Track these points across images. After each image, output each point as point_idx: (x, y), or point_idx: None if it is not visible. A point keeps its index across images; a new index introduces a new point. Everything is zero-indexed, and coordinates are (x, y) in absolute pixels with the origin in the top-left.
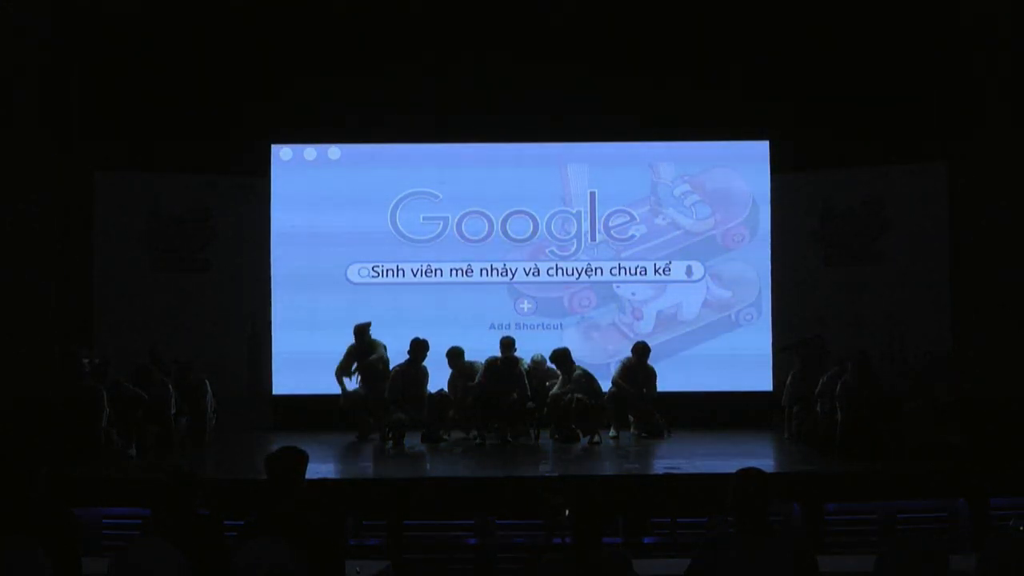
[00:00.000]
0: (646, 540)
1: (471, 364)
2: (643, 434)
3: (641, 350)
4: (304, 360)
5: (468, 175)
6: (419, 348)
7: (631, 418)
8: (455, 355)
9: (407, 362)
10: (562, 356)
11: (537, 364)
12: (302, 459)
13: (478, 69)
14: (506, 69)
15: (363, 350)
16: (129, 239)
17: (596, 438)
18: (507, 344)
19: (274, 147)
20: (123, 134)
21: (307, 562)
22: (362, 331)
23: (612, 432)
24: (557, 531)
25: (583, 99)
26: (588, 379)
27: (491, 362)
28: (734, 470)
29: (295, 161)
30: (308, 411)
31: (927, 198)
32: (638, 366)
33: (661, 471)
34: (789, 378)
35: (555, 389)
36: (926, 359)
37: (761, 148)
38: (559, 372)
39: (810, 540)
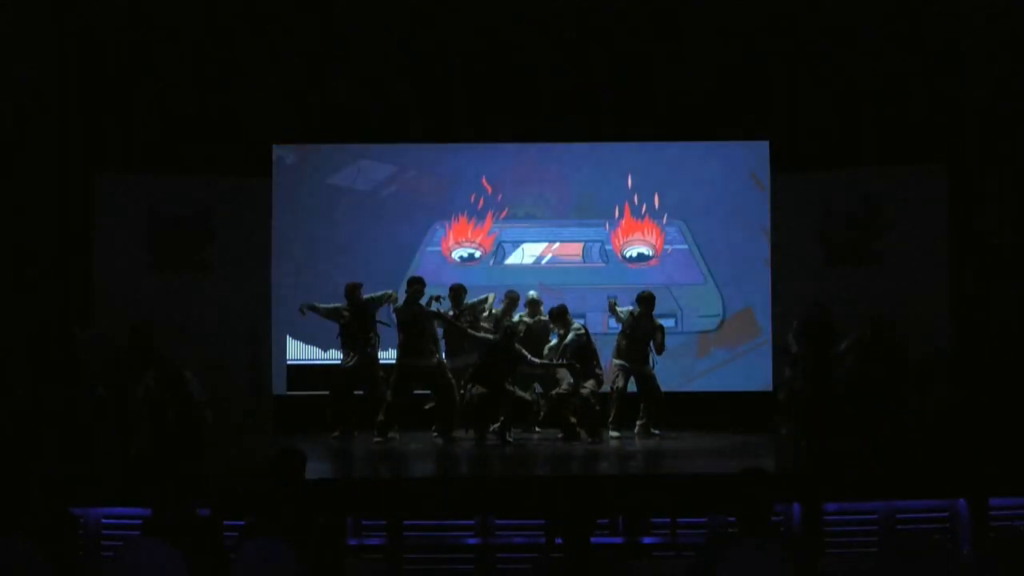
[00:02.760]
0: (646, 540)
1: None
2: (651, 429)
3: (647, 299)
4: (304, 361)
5: (469, 175)
6: (415, 284)
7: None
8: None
9: (404, 302)
10: (559, 313)
11: (534, 303)
12: (301, 459)
13: (479, 69)
14: (507, 69)
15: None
16: (129, 240)
17: (597, 438)
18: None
19: (274, 147)
20: (123, 134)
21: (307, 562)
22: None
23: (614, 432)
24: None
25: (582, 99)
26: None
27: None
28: (734, 470)
29: (296, 162)
30: (308, 412)
31: (927, 198)
32: (644, 317)
33: (661, 471)
34: (790, 364)
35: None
36: (926, 359)
37: (761, 148)
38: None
39: (810, 540)
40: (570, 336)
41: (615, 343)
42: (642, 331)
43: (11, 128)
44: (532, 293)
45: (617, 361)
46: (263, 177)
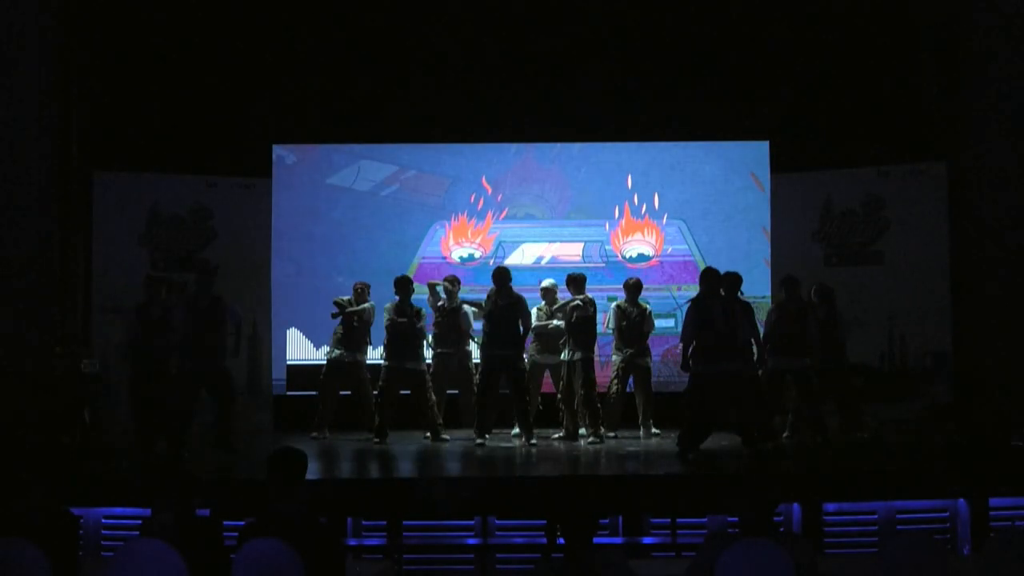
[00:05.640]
0: (646, 540)
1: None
2: (652, 431)
3: (633, 285)
4: (304, 361)
5: (469, 175)
6: (402, 284)
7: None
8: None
9: (396, 302)
10: (574, 280)
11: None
12: (302, 460)
13: (480, 68)
14: (508, 69)
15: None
16: (128, 239)
17: (597, 437)
18: (501, 274)
19: (274, 147)
20: (123, 134)
21: (307, 563)
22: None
23: (611, 433)
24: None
25: (582, 99)
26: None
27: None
28: (734, 471)
29: (295, 161)
30: (308, 412)
31: (927, 198)
32: (631, 304)
33: (661, 471)
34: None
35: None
36: (926, 359)
37: (761, 148)
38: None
39: (810, 540)
40: (577, 302)
41: (612, 341)
42: (632, 319)
43: (12, 126)
44: (547, 281)
45: (615, 356)
46: (263, 177)
